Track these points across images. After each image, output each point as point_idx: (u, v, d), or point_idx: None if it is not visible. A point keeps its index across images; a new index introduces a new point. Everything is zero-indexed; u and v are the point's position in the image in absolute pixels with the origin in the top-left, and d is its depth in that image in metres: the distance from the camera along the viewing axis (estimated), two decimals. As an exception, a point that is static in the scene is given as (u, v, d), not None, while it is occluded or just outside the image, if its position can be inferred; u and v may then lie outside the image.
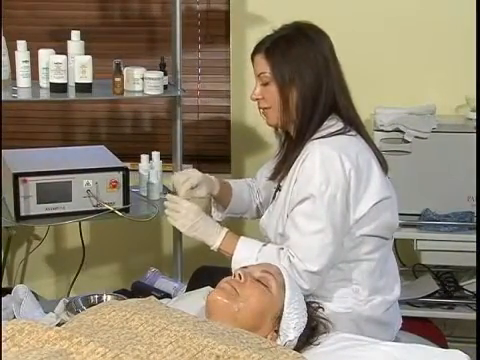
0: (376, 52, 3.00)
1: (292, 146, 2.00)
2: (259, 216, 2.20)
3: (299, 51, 1.94)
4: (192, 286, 2.12)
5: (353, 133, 1.96)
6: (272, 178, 2.08)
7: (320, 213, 1.86)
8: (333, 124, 1.95)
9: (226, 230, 2.00)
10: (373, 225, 1.93)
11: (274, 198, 2.06)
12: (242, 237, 1.98)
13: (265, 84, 1.99)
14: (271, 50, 1.97)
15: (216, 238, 1.98)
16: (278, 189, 2.04)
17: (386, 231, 1.99)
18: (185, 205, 2.04)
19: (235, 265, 1.89)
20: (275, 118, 2.01)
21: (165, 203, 2.08)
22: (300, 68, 1.93)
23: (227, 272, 1.85)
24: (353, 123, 1.98)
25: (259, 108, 2.05)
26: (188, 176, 2.14)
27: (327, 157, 1.87)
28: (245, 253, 1.92)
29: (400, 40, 2.98)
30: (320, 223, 1.86)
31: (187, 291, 2.13)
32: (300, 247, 1.87)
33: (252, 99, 2.04)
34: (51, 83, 2.41)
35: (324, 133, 1.93)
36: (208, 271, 2.03)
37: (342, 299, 1.96)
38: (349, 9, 3.00)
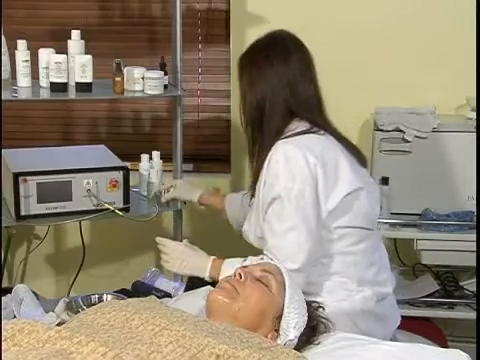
0: (376, 52, 3.00)
1: (257, 151, 2.04)
2: None
3: (256, 69, 2.00)
4: (191, 287, 2.12)
5: (321, 132, 1.99)
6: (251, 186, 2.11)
7: (290, 211, 1.88)
8: (295, 127, 1.99)
9: (212, 258, 2.04)
10: (347, 217, 1.95)
11: (250, 205, 2.10)
12: (226, 259, 2.01)
13: None
14: (240, 59, 2.07)
15: (205, 269, 2.02)
16: (253, 195, 2.07)
17: (366, 222, 2.00)
18: (170, 245, 2.12)
19: None
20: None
21: (158, 244, 2.16)
22: (253, 82, 2.00)
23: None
24: (320, 127, 2.00)
25: None
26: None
27: (290, 155, 1.90)
28: (228, 273, 1.93)
29: (400, 40, 2.98)
30: (291, 221, 1.88)
31: (186, 291, 2.13)
32: (277, 248, 1.89)
33: None
34: (51, 82, 2.41)
35: (289, 133, 1.97)
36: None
37: (331, 293, 1.97)
38: (349, 9, 3.00)
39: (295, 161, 1.89)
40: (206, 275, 2.02)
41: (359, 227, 1.98)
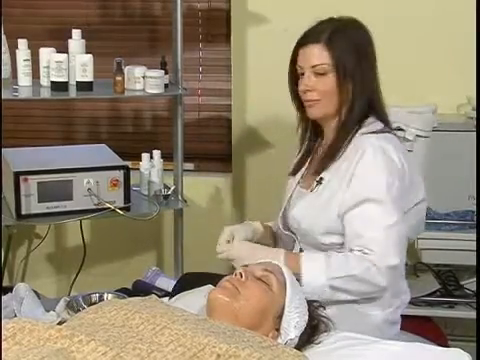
0: (377, 51, 2.99)
1: (335, 139, 1.96)
2: None
3: (361, 45, 1.97)
4: (177, 293, 2.10)
5: (394, 132, 1.98)
6: (293, 173, 2.06)
7: (392, 207, 1.84)
8: (373, 121, 1.95)
9: (283, 252, 1.92)
10: (409, 224, 1.93)
11: (311, 190, 1.98)
12: (301, 253, 1.92)
13: (321, 75, 1.93)
14: (334, 41, 1.95)
15: (280, 261, 1.86)
16: (319, 182, 1.96)
17: (412, 233, 1.99)
18: (235, 246, 1.96)
19: (307, 288, 1.82)
20: (322, 111, 1.96)
21: (219, 256, 1.99)
22: (361, 62, 1.95)
23: (212, 277, 1.86)
24: (388, 123, 1.98)
25: (305, 100, 1.98)
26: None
27: (387, 151, 1.87)
28: (313, 273, 1.85)
29: (401, 39, 2.98)
30: (394, 216, 1.84)
31: (171, 296, 2.09)
32: (379, 243, 1.83)
33: (302, 91, 1.96)
34: (52, 82, 2.41)
35: (373, 129, 1.93)
36: (193, 277, 2.01)
37: (375, 304, 1.93)
38: (349, 8, 2.97)
39: (391, 157, 1.87)
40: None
41: (409, 237, 1.96)
